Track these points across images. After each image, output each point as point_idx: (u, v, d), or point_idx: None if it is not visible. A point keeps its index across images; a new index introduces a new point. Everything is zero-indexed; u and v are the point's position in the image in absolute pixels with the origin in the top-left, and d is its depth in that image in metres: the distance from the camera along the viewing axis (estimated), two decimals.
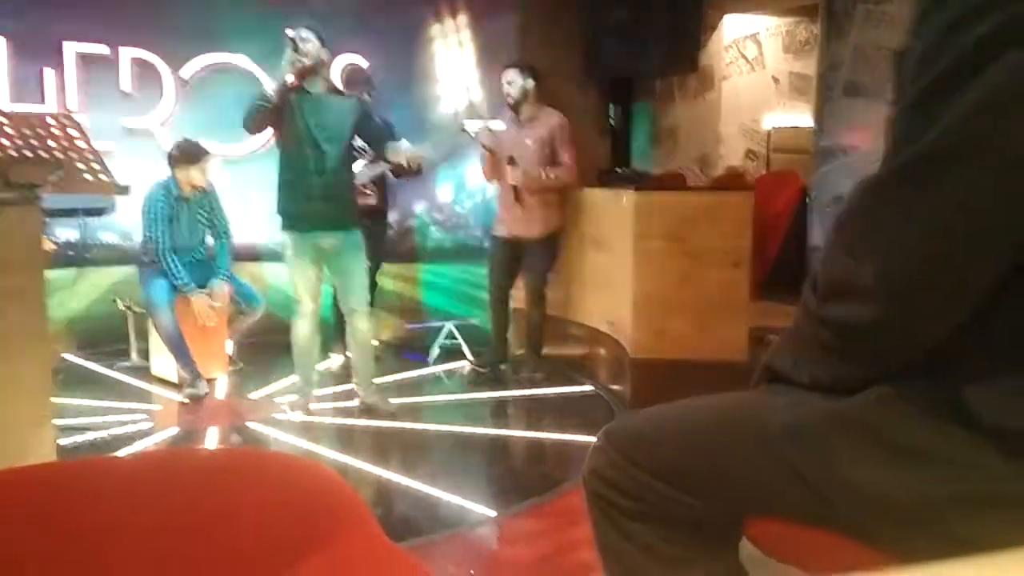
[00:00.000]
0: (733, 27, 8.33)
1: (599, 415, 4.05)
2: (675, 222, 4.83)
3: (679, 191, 5.49)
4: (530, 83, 4.44)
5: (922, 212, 0.83)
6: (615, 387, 4.58)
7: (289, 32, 3.61)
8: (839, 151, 6.66)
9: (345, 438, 3.74)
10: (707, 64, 7.92)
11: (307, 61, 3.61)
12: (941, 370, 0.89)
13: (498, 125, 4.59)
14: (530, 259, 4.58)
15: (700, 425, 1.13)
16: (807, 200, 6.86)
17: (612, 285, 5.21)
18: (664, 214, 4.86)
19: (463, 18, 5.91)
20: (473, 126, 4.52)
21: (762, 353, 1.15)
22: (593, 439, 3.50)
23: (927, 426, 0.90)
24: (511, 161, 4.38)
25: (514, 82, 4.43)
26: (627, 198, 4.96)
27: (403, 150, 3.87)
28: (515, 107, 4.47)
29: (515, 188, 4.42)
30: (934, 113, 0.81)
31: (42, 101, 5.27)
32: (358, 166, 4.23)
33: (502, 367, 4.72)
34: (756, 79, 8.61)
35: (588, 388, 4.50)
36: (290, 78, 3.62)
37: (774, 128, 8.68)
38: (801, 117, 8.43)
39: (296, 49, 3.57)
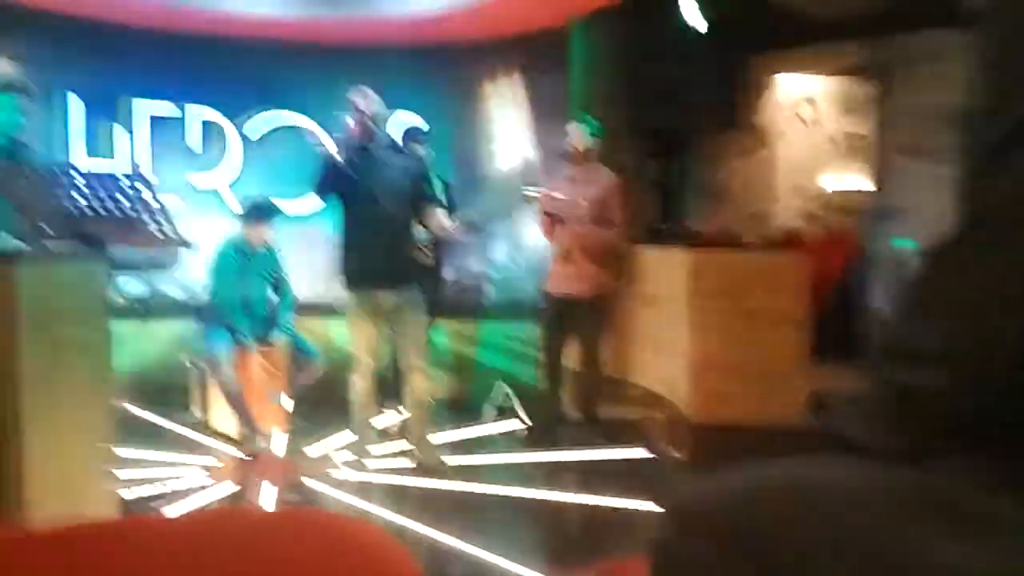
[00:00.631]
0: (789, 87, 8.33)
1: (656, 480, 3.95)
2: (731, 281, 4.77)
3: (734, 250, 5.41)
4: (589, 140, 4.46)
5: (992, 276, 0.81)
6: (673, 451, 4.46)
7: (352, 92, 3.70)
8: (896, 212, 6.55)
9: (399, 497, 3.70)
10: (760, 122, 7.91)
11: (369, 120, 3.68)
12: (1016, 437, 0.85)
13: (556, 188, 4.60)
14: (581, 318, 4.54)
15: (768, 496, 1.08)
16: (864, 261, 6.74)
17: (667, 345, 5.13)
18: (719, 273, 4.80)
19: (514, 78, 6.01)
20: (532, 190, 4.54)
21: (824, 417, 1.11)
22: (649, 505, 3.39)
23: (1006, 495, 0.85)
24: (560, 219, 4.39)
25: (575, 138, 4.46)
26: (680, 256, 4.92)
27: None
28: (573, 162, 4.48)
29: (564, 245, 4.42)
30: (1004, 175, 0.79)
31: (113, 158, 5.47)
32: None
33: (555, 428, 4.64)
34: (812, 138, 8.55)
35: (643, 451, 4.40)
36: (352, 137, 3.69)
37: (830, 189, 8.58)
38: (858, 178, 8.33)
39: (358, 108, 3.65)
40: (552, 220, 4.44)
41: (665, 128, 7.28)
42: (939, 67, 6.28)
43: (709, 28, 6.57)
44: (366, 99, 3.70)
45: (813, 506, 1.00)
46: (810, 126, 8.55)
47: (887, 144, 6.64)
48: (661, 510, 1.16)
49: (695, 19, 6.49)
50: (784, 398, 4.66)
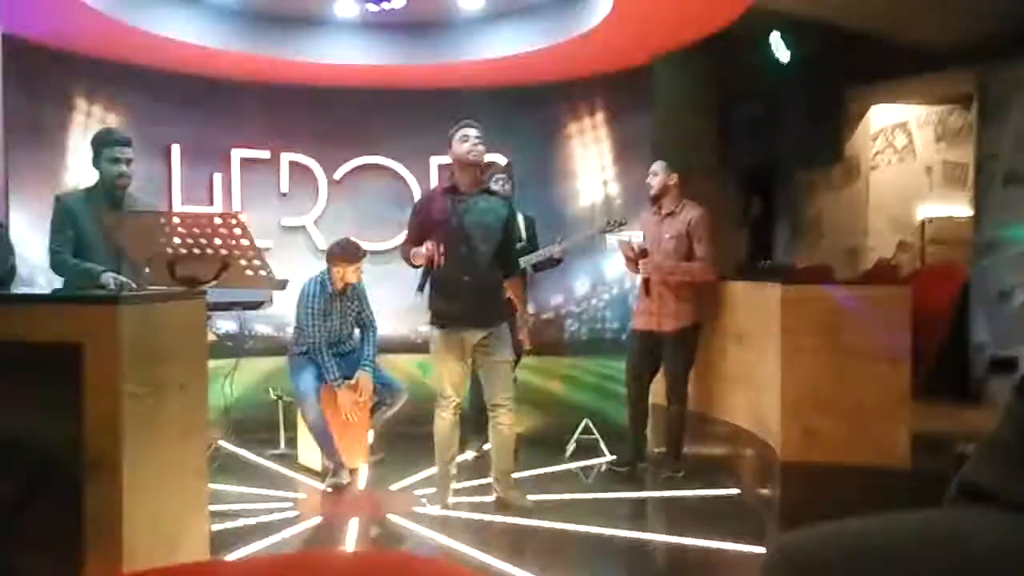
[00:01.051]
0: (881, 116, 8.10)
1: (745, 520, 3.83)
2: (825, 317, 4.62)
3: (830, 285, 5.25)
4: (674, 177, 4.44)
5: None
6: (762, 490, 4.32)
7: (464, 130, 3.74)
8: (1004, 244, 6.26)
9: (482, 534, 3.68)
10: (853, 154, 7.71)
11: (473, 159, 3.74)
12: None
13: (642, 226, 4.58)
14: (667, 354, 4.48)
15: (890, 548, 1.00)
16: (967, 294, 6.44)
17: (757, 382, 5.00)
18: (813, 308, 4.65)
19: (600, 116, 6.01)
20: (612, 238, 4.53)
21: (951, 464, 1.03)
22: (739, 547, 3.29)
23: None
24: (644, 253, 4.36)
25: (658, 174, 4.45)
26: (772, 291, 4.80)
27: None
28: (655, 200, 4.47)
29: (646, 280, 4.38)
30: None
31: (210, 202, 5.72)
32: None
33: (640, 465, 4.57)
34: (906, 169, 8.28)
35: (733, 490, 4.28)
36: (467, 168, 3.76)
37: (927, 219, 8.26)
38: (956, 207, 8.00)
39: (466, 141, 3.71)
40: (637, 256, 4.41)
41: (757, 163, 7.17)
42: None
43: (804, 61, 6.46)
44: (478, 140, 3.75)
45: (948, 563, 0.92)
46: (904, 155, 8.28)
47: (990, 172, 6.36)
48: (769, 554, 1.09)
49: (782, 53, 6.40)
50: (882, 437, 4.47)
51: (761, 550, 3.35)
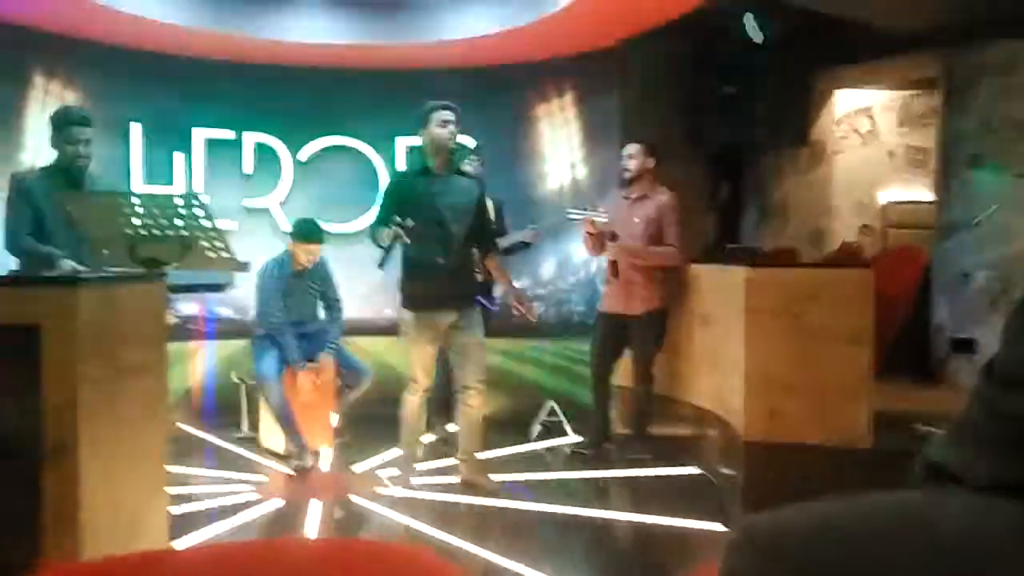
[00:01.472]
0: (845, 101, 8.18)
1: (709, 500, 3.87)
2: (790, 299, 4.67)
3: (793, 267, 5.31)
4: (650, 161, 4.44)
5: None
6: (726, 470, 4.38)
7: (443, 112, 3.70)
8: (964, 226, 6.36)
9: (447, 515, 3.68)
10: (818, 138, 7.78)
11: (454, 144, 3.71)
12: None
13: (605, 208, 4.55)
14: (635, 337, 4.50)
15: (857, 530, 1.00)
16: (929, 277, 6.56)
17: (722, 363, 5.05)
18: (778, 291, 4.70)
19: (569, 97, 6.00)
20: (576, 213, 4.51)
21: (916, 444, 1.04)
22: (703, 526, 3.32)
23: None
24: (612, 237, 4.35)
25: (635, 157, 4.44)
26: (738, 274, 4.84)
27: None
28: (630, 182, 4.46)
29: (614, 263, 4.38)
30: None
31: (172, 182, 5.62)
32: None
33: (606, 446, 4.60)
34: (870, 153, 8.38)
35: (697, 470, 4.32)
36: (445, 151, 3.72)
37: (890, 203, 8.38)
38: (919, 192, 8.13)
39: (446, 127, 3.67)
40: (603, 239, 4.41)
41: (724, 146, 7.20)
42: (1011, 79, 6.10)
43: (770, 45, 6.49)
44: (454, 122, 3.72)
45: (914, 545, 0.92)
46: (868, 140, 8.38)
47: (954, 156, 6.45)
48: (732, 534, 1.10)
49: (754, 34, 6.41)
50: (844, 417, 4.54)
51: (723, 529, 3.39)
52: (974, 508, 0.88)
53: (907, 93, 8.27)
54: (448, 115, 3.72)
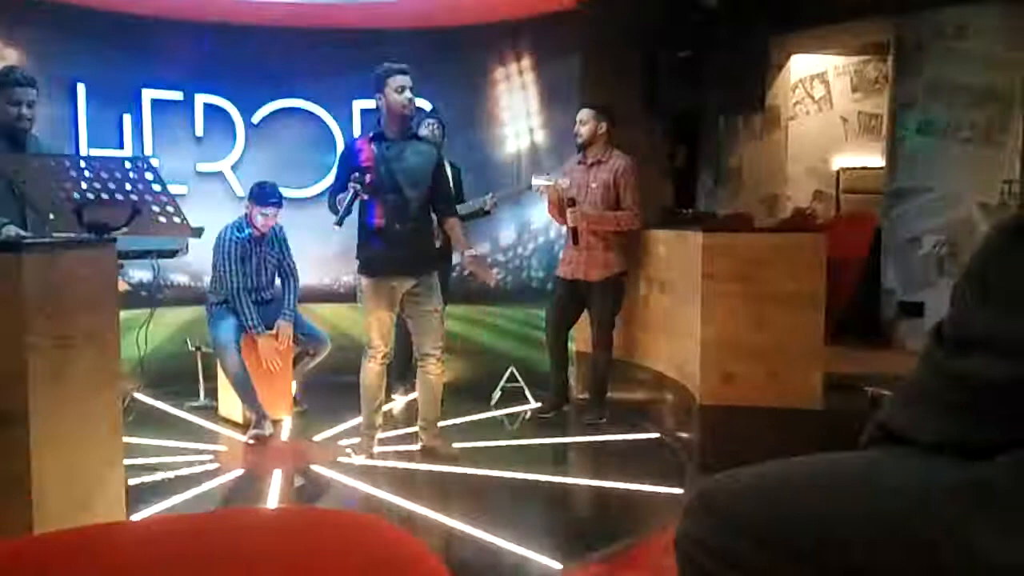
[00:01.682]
0: (800, 66, 8.24)
1: (666, 463, 3.94)
2: (744, 264, 4.72)
3: (747, 232, 5.36)
4: (603, 126, 4.43)
5: None
6: (682, 434, 4.45)
7: (399, 77, 3.63)
8: (913, 191, 6.48)
9: (407, 482, 3.70)
10: (773, 104, 7.82)
11: (408, 113, 3.65)
12: None
13: (564, 176, 4.53)
14: (593, 302, 4.53)
15: (806, 489, 1.03)
16: (880, 241, 6.67)
17: (678, 328, 5.10)
18: (733, 256, 4.75)
19: (525, 61, 5.93)
20: (539, 181, 4.49)
21: (867, 406, 1.06)
22: (660, 489, 3.37)
23: None
24: (571, 203, 4.35)
25: (587, 123, 4.43)
26: (694, 239, 4.87)
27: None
28: (584, 147, 4.46)
29: (574, 229, 4.39)
30: None
31: (120, 145, 5.45)
32: None
33: (564, 409, 4.64)
34: (824, 119, 8.47)
35: (654, 435, 4.39)
36: (398, 118, 3.65)
37: (843, 168, 8.50)
38: (871, 157, 8.25)
39: (403, 92, 3.60)
40: (562, 204, 4.40)
41: (680, 110, 7.20)
42: (961, 44, 6.18)
43: (726, 8, 6.48)
44: (408, 87, 3.65)
45: (860, 503, 0.94)
46: (821, 106, 8.46)
47: (904, 122, 6.54)
48: (688, 498, 1.11)
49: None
50: (797, 380, 4.62)
51: (680, 491, 3.45)
52: (919, 467, 0.90)
53: (860, 59, 8.35)
54: (405, 80, 3.65)
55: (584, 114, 4.46)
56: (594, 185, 4.44)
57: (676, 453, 4.12)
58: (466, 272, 3.91)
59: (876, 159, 8.00)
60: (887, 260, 6.70)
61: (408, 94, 3.64)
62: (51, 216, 2.68)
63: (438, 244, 4.16)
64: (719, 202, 7.82)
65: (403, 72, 3.66)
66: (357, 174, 3.57)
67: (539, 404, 4.74)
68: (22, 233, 3.18)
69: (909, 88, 6.53)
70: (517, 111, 5.81)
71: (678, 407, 4.94)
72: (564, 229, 4.57)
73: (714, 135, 7.96)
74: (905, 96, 6.57)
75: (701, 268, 4.76)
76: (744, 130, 7.96)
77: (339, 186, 3.71)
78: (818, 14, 6.84)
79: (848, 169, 8.48)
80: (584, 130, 4.44)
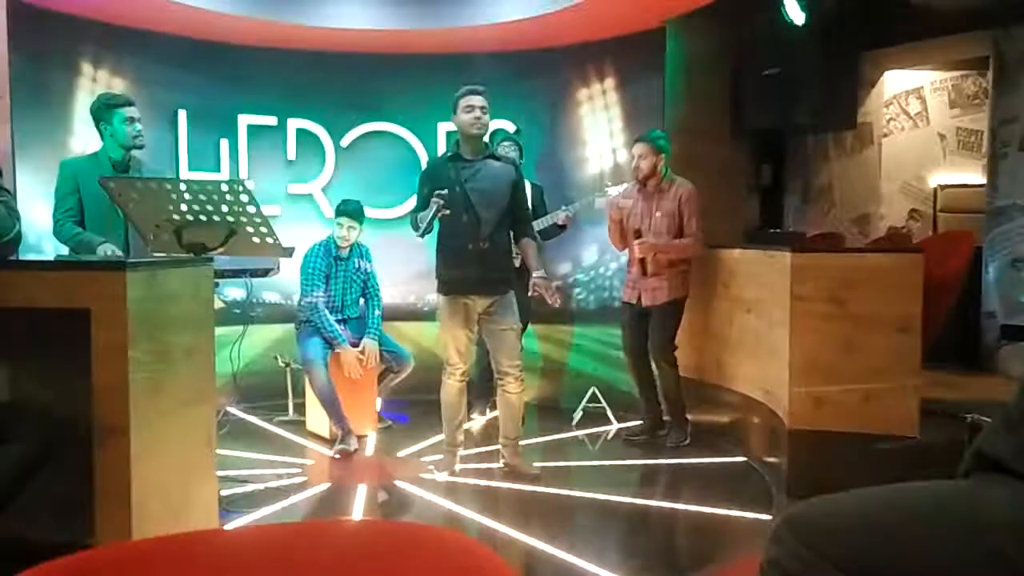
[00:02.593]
0: (894, 82, 7.99)
1: (753, 488, 3.84)
2: (836, 285, 4.57)
3: (839, 252, 5.21)
4: (662, 157, 4.39)
5: None
6: (770, 458, 4.33)
7: (468, 98, 3.69)
8: (1015, 209, 6.19)
9: (489, 501, 3.70)
10: (865, 120, 7.60)
11: (476, 132, 3.71)
12: None
13: (626, 196, 4.54)
14: (652, 326, 4.51)
15: (901, 519, 0.99)
16: (980, 263, 6.39)
17: (766, 350, 4.97)
18: (823, 276, 4.61)
19: (610, 81, 5.94)
20: (600, 199, 4.51)
21: (965, 434, 1.02)
22: (747, 514, 3.29)
23: None
24: (637, 235, 4.35)
25: (646, 157, 4.39)
26: (782, 259, 4.76)
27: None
28: (641, 180, 4.44)
29: (642, 260, 4.37)
30: None
31: (217, 169, 5.69)
32: None
33: (660, 433, 4.60)
34: (919, 135, 8.18)
35: (741, 458, 4.29)
36: (474, 136, 3.72)
37: (940, 186, 8.18)
38: (971, 175, 7.92)
39: (471, 112, 3.66)
40: (623, 229, 4.42)
41: (769, 129, 7.07)
42: None
43: (818, 24, 6.35)
44: (484, 108, 3.71)
45: (965, 537, 0.91)
46: (917, 122, 8.18)
47: (1005, 138, 6.27)
48: (776, 524, 1.08)
49: (796, 15, 6.29)
50: (892, 406, 4.45)
51: (767, 517, 3.36)
52: (1021, 497, 0.86)
53: (958, 73, 8.04)
54: (474, 100, 3.69)
55: (640, 148, 4.41)
56: (659, 214, 4.41)
57: (763, 478, 4.02)
58: (530, 293, 3.93)
59: (976, 176, 7.67)
60: (988, 281, 6.40)
61: (477, 113, 3.68)
62: (151, 237, 2.80)
63: (517, 263, 4.18)
64: (807, 221, 7.63)
65: (474, 92, 3.70)
66: (437, 193, 3.63)
67: (632, 424, 4.70)
68: (118, 252, 3.35)
69: (1010, 103, 6.26)
70: (600, 130, 5.81)
71: (765, 431, 4.81)
72: (628, 256, 4.58)
73: (802, 153, 7.78)
74: (1006, 111, 6.30)
75: (791, 289, 4.65)
76: (834, 148, 7.76)
77: (421, 205, 3.78)
78: (913, 30, 6.64)
79: (946, 187, 8.16)
80: (644, 164, 4.39)
